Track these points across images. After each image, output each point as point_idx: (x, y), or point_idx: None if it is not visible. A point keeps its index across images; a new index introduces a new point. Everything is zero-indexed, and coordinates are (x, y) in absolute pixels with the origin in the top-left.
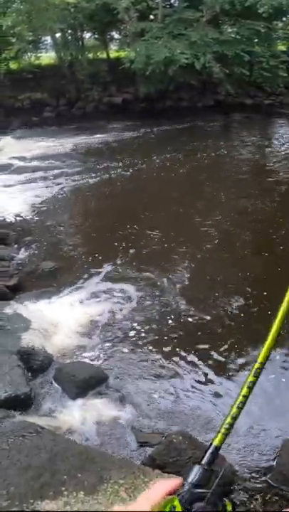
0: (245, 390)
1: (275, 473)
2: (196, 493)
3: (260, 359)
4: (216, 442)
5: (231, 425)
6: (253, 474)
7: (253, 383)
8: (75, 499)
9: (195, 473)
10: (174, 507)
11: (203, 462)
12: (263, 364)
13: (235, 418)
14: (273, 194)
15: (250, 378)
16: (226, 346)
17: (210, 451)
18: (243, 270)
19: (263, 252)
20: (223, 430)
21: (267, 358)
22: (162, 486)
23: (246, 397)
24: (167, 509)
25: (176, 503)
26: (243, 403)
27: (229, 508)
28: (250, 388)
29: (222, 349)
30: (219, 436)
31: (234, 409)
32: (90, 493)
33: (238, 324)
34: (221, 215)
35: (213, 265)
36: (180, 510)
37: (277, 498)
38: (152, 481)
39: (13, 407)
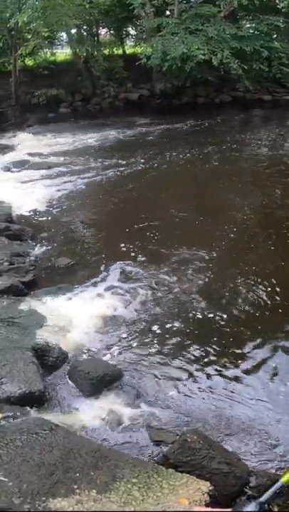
0: None
1: None
2: None
3: None
4: (284, 479)
5: None
6: (268, 476)
7: None
8: (87, 497)
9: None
10: None
11: (262, 499)
12: None
13: None
14: None
15: None
16: (243, 345)
17: (274, 488)
18: (261, 268)
19: (284, 250)
20: None
21: None
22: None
23: None
24: None
25: None
26: None
27: None
28: None
29: (239, 348)
30: None
31: None
32: (102, 492)
33: (256, 323)
34: (240, 211)
35: (231, 263)
36: None
37: None
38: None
39: (27, 404)
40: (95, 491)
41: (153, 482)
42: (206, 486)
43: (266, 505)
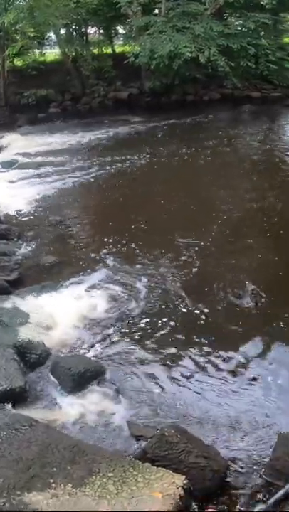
0: None
1: (268, 467)
2: None
3: None
4: None
5: None
6: (247, 469)
7: None
8: (63, 491)
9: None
10: None
11: (270, 501)
12: None
13: None
14: (283, 186)
15: None
16: (225, 341)
17: (283, 491)
18: (250, 264)
19: (273, 244)
20: None
21: None
22: None
23: None
24: None
25: None
26: None
27: None
28: None
29: (221, 344)
30: None
31: None
32: (77, 486)
33: (240, 319)
34: (230, 207)
35: (219, 258)
36: None
37: (269, 492)
38: None
39: (8, 401)
40: (70, 485)
41: (128, 476)
42: (180, 479)
43: (273, 507)
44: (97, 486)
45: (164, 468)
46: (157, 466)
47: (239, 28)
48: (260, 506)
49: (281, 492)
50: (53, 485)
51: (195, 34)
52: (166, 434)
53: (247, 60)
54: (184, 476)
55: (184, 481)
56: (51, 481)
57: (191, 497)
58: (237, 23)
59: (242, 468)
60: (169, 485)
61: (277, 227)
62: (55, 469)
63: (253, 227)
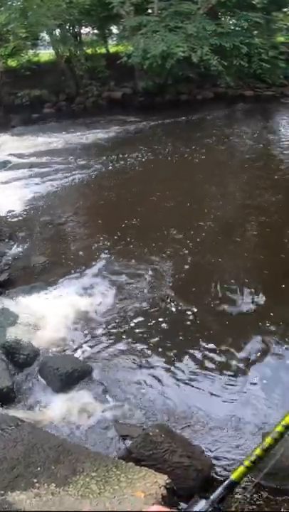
0: (288, 419)
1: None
2: None
3: None
4: (234, 476)
5: (260, 458)
6: (231, 468)
7: None
8: (46, 490)
9: (198, 510)
10: None
11: (212, 497)
12: None
13: (266, 451)
14: (276, 185)
15: None
16: (211, 340)
17: (224, 485)
18: (240, 262)
19: (264, 242)
20: (247, 463)
21: None
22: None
23: (288, 427)
24: None
25: None
26: (282, 434)
27: None
28: None
29: (209, 344)
30: (240, 469)
31: (268, 440)
32: (61, 485)
33: (226, 317)
34: (223, 205)
35: (212, 257)
36: None
37: (257, 492)
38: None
39: None
40: (54, 484)
41: (111, 475)
42: (163, 479)
43: (216, 503)
44: (80, 486)
45: (146, 468)
46: (142, 465)
47: (232, 27)
48: (203, 503)
49: (221, 487)
50: (37, 484)
51: (187, 34)
52: (151, 433)
53: (240, 59)
54: (166, 476)
55: (167, 481)
56: (35, 480)
57: (175, 496)
58: (230, 22)
59: (227, 467)
60: (152, 484)
61: (272, 224)
62: (39, 469)
63: (248, 225)
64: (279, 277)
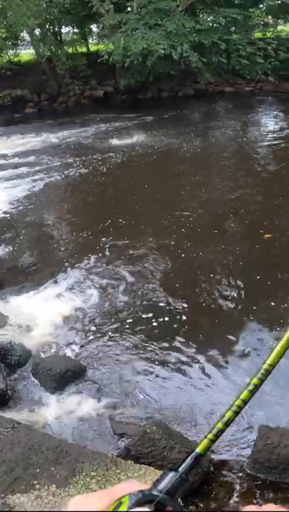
0: (245, 394)
1: (250, 461)
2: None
3: (270, 360)
4: (199, 449)
5: (221, 432)
6: (229, 463)
7: (257, 387)
8: (47, 492)
9: (168, 481)
10: (120, 504)
11: (180, 469)
12: (273, 366)
13: (227, 424)
14: (257, 179)
15: (255, 381)
16: (206, 336)
17: (191, 457)
18: (228, 258)
19: (248, 236)
20: (210, 436)
21: (279, 359)
22: (130, 484)
23: (245, 402)
24: (112, 508)
25: (125, 500)
26: (241, 408)
27: None
28: (252, 392)
29: (202, 339)
30: (204, 442)
31: (228, 414)
32: (61, 486)
33: (219, 313)
34: (206, 202)
35: (196, 253)
36: (125, 510)
37: (252, 486)
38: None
39: None
40: (54, 485)
41: (111, 474)
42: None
43: (184, 476)
44: (80, 486)
45: (146, 466)
46: (141, 463)
47: (210, 24)
48: (172, 475)
49: (188, 459)
50: (37, 486)
51: (167, 31)
52: (148, 430)
53: (219, 56)
54: None
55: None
56: (35, 482)
57: None
58: (208, 19)
59: (225, 462)
60: None
61: (255, 217)
62: (38, 470)
63: (231, 219)
64: (257, 268)
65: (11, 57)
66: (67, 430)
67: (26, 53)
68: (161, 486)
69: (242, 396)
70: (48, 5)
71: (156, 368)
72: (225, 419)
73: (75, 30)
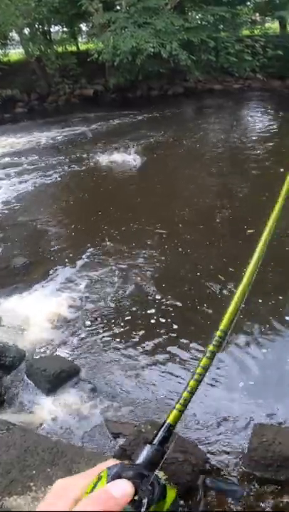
0: (204, 361)
1: (246, 458)
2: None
3: (222, 326)
4: (170, 420)
5: (188, 401)
6: (225, 461)
7: (213, 353)
8: (43, 494)
9: (145, 454)
10: (100, 478)
11: (155, 441)
12: (225, 333)
13: (192, 393)
14: (246, 175)
15: (210, 348)
16: (199, 334)
17: (164, 429)
18: (218, 254)
19: (237, 231)
20: (178, 406)
21: (231, 324)
22: (111, 462)
23: (206, 369)
24: (92, 484)
25: (104, 474)
26: (202, 375)
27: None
28: (210, 359)
29: (196, 337)
30: (174, 413)
31: (192, 383)
32: None
33: (211, 311)
34: (196, 195)
35: (187, 251)
36: (104, 483)
37: (248, 483)
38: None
39: None
40: (51, 487)
41: None
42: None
43: (159, 447)
44: None
45: None
46: None
47: (198, 22)
48: (149, 447)
49: (161, 431)
50: (34, 488)
51: (156, 29)
52: (143, 430)
53: (208, 54)
54: (162, 472)
55: (163, 477)
56: (31, 484)
57: None
58: (196, 16)
59: (221, 460)
60: None
61: (243, 213)
62: (34, 472)
63: (217, 214)
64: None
65: (0, 56)
66: (62, 431)
67: (15, 53)
68: (139, 459)
69: (202, 363)
70: (36, 4)
71: (150, 368)
72: (189, 388)
73: (65, 29)
